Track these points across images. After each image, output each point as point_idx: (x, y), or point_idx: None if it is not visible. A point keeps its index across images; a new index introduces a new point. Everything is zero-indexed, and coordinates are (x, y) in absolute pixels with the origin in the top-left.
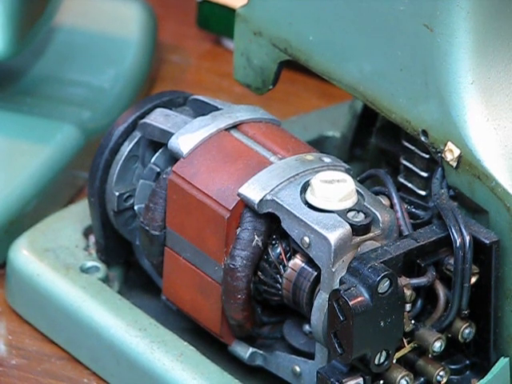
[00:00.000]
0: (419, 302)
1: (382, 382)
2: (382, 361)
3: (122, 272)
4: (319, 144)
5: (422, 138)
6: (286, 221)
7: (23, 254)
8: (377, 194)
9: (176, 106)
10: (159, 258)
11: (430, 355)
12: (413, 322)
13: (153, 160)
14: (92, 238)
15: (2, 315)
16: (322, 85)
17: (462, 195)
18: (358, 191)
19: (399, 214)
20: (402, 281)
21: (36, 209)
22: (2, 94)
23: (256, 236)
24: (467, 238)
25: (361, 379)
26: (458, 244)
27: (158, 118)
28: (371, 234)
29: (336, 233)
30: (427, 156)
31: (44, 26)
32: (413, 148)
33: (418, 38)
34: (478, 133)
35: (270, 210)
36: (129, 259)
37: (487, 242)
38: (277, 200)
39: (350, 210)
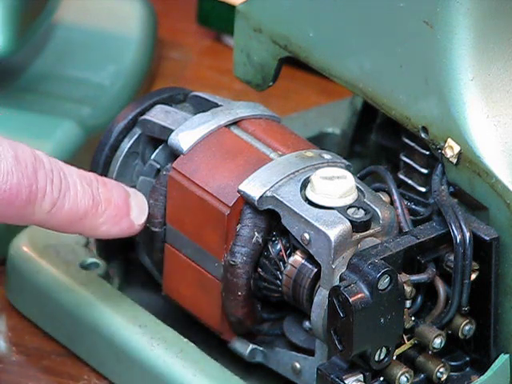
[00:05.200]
0: (419, 299)
1: (382, 378)
2: (382, 357)
3: (122, 268)
4: (319, 140)
5: (422, 135)
6: (286, 217)
7: (23, 251)
8: (377, 190)
9: (176, 103)
10: (159, 254)
11: (430, 352)
12: (413, 318)
13: (153, 157)
14: None
15: (2, 312)
16: (321, 81)
17: (462, 192)
18: (358, 188)
19: (399, 211)
20: (402, 277)
21: None
22: (2, 91)
23: (256, 232)
24: (467, 235)
25: (361, 376)
26: (458, 240)
27: (158, 115)
28: (371, 231)
29: (336, 229)
30: (427, 153)
31: (44, 22)
32: (413, 145)
33: (418, 35)
34: (478, 129)
35: (270, 207)
36: (129, 256)
37: (487, 238)
38: (277, 196)
39: (350, 206)
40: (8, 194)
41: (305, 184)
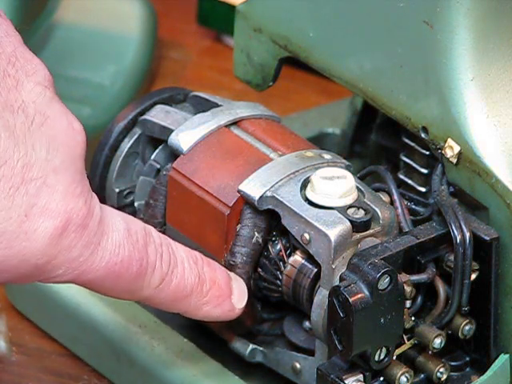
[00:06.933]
0: (419, 299)
1: (382, 378)
2: (382, 357)
3: None
4: (319, 141)
5: (422, 135)
6: (286, 217)
7: None
8: (377, 190)
9: (176, 103)
10: None
11: (430, 352)
12: (413, 318)
13: (153, 157)
14: None
15: (2, 312)
16: (321, 81)
17: (462, 192)
18: (358, 188)
19: (399, 211)
20: (402, 277)
21: None
22: None
23: (256, 233)
24: (467, 235)
25: (361, 376)
26: (458, 240)
27: (158, 115)
28: (371, 231)
29: (336, 229)
30: (427, 153)
31: (44, 22)
32: (413, 145)
33: (418, 35)
34: (479, 129)
35: (270, 207)
36: None
37: (487, 238)
38: (277, 196)
39: (350, 206)
40: (119, 266)
41: (305, 184)
